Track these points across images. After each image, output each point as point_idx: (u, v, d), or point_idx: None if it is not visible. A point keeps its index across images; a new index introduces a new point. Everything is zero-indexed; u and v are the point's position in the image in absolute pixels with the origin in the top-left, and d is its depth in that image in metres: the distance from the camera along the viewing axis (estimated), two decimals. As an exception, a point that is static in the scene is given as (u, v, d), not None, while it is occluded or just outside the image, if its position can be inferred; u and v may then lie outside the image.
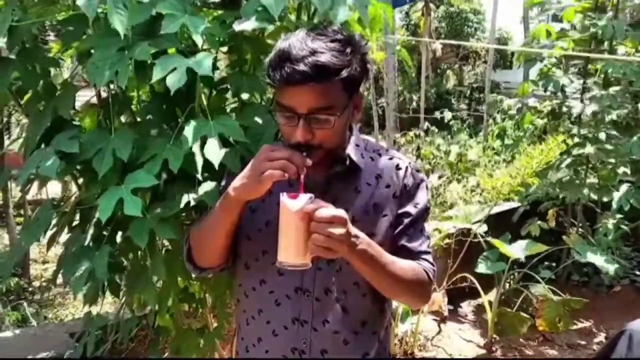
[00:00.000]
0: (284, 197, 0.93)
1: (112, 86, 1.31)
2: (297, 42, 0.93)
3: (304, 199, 0.91)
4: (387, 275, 1.02)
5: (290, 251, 0.92)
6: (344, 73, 0.94)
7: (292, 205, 0.91)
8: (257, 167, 0.93)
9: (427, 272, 1.11)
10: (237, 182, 0.97)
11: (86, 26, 1.20)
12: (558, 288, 3.23)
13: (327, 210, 0.90)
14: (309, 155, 0.95)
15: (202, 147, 1.16)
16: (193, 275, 1.41)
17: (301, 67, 0.90)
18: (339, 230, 0.89)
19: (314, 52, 0.91)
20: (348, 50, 0.95)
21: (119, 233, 1.35)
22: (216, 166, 1.12)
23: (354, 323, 1.09)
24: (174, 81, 1.10)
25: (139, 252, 1.40)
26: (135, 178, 1.18)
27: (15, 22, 1.16)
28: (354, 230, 0.94)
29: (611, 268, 3.05)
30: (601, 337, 3.29)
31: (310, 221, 0.90)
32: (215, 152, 1.13)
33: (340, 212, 0.91)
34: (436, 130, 5.92)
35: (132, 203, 1.15)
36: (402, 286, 1.07)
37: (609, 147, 3.37)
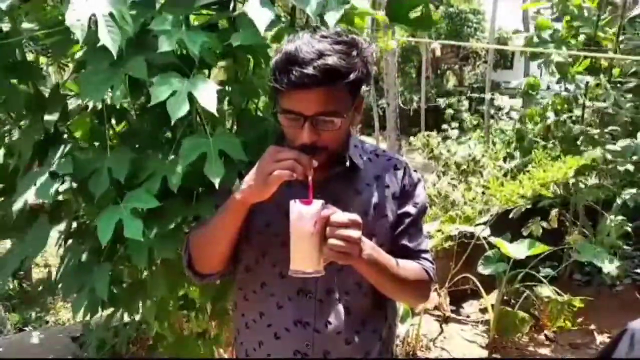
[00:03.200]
0: (296, 204, 0.90)
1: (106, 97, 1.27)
2: (303, 44, 0.93)
3: (317, 205, 0.90)
4: (391, 278, 1.03)
5: (306, 259, 0.90)
6: (351, 76, 0.94)
7: (307, 211, 0.89)
8: (264, 168, 0.92)
9: (428, 271, 1.12)
10: (242, 185, 0.96)
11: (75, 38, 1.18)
12: (560, 288, 3.22)
13: (343, 214, 0.90)
14: (314, 157, 0.95)
15: (198, 160, 1.13)
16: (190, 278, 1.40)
17: (310, 70, 0.90)
18: (356, 234, 0.89)
19: (321, 55, 0.91)
20: (354, 52, 0.95)
21: (118, 243, 1.32)
22: (217, 185, 1.09)
23: (356, 323, 1.09)
24: (176, 109, 1.05)
25: (136, 267, 1.38)
26: (135, 198, 1.14)
27: (4, 35, 1.12)
28: (360, 218, 0.93)
29: (613, 268, 3.04)
30: (603, 337, 3.28)
31: (324, 227, 0.89)
32: (216, 171, 1.10)
33: (355, 216, 0.91)
34: (450, 124, 5.85)
35: (133, 225, 1.10)
36: (404, 287, 1.08)
37: (617, 147, 3.35)
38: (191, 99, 1.09)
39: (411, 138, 4.93)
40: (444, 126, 5.16)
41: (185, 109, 1.06)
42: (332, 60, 0.91)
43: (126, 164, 1.16)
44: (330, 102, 0.94)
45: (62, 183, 1.18)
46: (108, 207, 1.14)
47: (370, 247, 0.97)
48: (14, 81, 1.24)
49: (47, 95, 1.30)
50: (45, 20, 1.22)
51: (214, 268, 1.11)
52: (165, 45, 1.07)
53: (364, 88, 1.01)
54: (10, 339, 2.17)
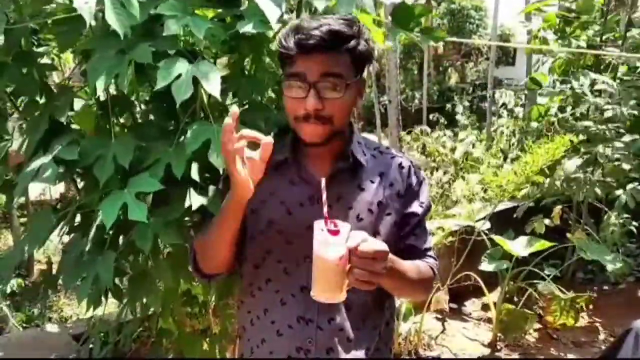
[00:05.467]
0: (323, 233, 0.88)
1: (110, 88, 1.29)
2: (307, 18, 0.99)
3: (344, 234, 0.87)
4: (404, 283, 1.04)
5: (330, 287, 0.89)
6: (353, 42, 0.98)
7: (334, 242, 0.87)
8: (223, 152, 0.90)
9: (432, 268, 1.14)
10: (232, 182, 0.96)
11: (83, 26, 1.17)
12: (563, 286, 3.22)
13: (369, 244, 0.88)
14: (320, 124, 0.97)
15: (203, 148, 1.14)
16: (196, 279, 1.40)
17: (315, 32, 0.95)
18: (382, 265, 0.89)
19: (325, 24, 0.96)
20: (354, 27, 1.00)
21: (121, 237, 1.32)
22: (221, 171, 1.10)
23: (356, 320, 1.09)
24: (181, 92, 1.07)
25: (141, 256, 1.38)
26: (139, 182, 1.16)
27: (10, 24, 1.13)
28: (386, 247, 0.91)
29: (616, 265, 3.03)
30: (607, 335, 3.27)
31: (350, 255, 0.87)
32: (220, 158, 1.11)
33: (383, 247, 0.89)
34: (444, 122, 5.89)
35: (137, 208, 1.12)
36: (414, 287, 1.10)
37: (618, 144, 3.33)
38: (196, 90, 1.10)
39: (401, 133, 4.91)
40: (439, 132, 5.18)
41: (189, 92, 1.08)
42: (335, 26, 0.96)
43: (131, 150, 1.18)
44: (334, 66, 0.97)
45: (66, 171, 1.19)
46: (112, 193, 1.15)
47: (391, 260, 0.95)
48: (24, 70, 1.25)
49: (52, 86, 1.32)
50: (51, 12, 1.23)
51: (218, 268, 1.11)
52: (171, 29, 1.09)
53: (365, 69, 1.04)
54: (11, 337, 2.17)
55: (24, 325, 3.75)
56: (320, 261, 0.89)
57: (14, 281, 4.18)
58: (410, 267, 1.06)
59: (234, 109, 0.91)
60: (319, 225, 0.89)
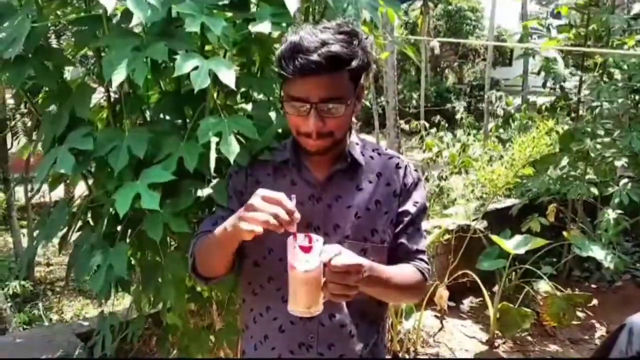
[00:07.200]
0: (296, 251, 0.88)
1: (124, 86, 1.32)
2: (306, 34, 0.97)
3: (316, 250, 0.88)
4: (390, 289, 1.06)
5: (304, 302, 0.91)
6: (353, 63, 0.98)
7: (305, 259, 0.88)
8: (246, 213, 0.91)
9: (423, 272, 1.15)
10: (235, 219, 0.95)
11: (99, 27, 1.21)
12: (559, 284, 3.24)
13: (342, 258, 0.89)
14: (321, 141, 0.99)
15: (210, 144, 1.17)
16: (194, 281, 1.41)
17: (314, 57, 0.94)
18: (354, 279, 0.90)
19: (324, 43, 0.95)
20: (355, 42, 0.99)
21: (129, 231, 1.35)
22: (232, 161, 1.14)
23: (356, 315, 1.12)
24: (198, 81, 1.11)
25: (147, 252, 1.41)
26: (151, 174, 1.20)
27: (31, 23, 1.16)
28: (360, 260, 0.92)
29: (612, 263, 3.06)
30: (603, 332, 3.30)
31: (323, 269, 0.89)
32: (231, 148, 1.15)
33: (356, 260, 0.91)
34: (446, 124, 5.95)
35: (150, 197, 1.16)
36: (402, 293, 1.12)
37: (607, 139, 3.36)
38: (206, 87, 1.14)
39: (400, 121, 4.95)
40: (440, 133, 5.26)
41: (207, 82, 1.12)
42: (335, 48, 0.95)
43: (145, 141, 1.22)
44: (335, 89, 0.98)
45: (80, 165, 1.23)
46: (125, 184, 1.19)
47: (369, 268, 0.96)
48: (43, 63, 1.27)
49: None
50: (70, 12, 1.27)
51: (217, 274, 1.12)
52: (191, 27, 1.12)
53: (364, 76, 1.05)
54: (15, 336, 2.19)
55: (25, 327, 3.78)
56: (293, 276, 0.90)
57: (16, 283, 4.21)
58: (395, 272, 1.06)
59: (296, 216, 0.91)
60: (291, 242, 0.90)
